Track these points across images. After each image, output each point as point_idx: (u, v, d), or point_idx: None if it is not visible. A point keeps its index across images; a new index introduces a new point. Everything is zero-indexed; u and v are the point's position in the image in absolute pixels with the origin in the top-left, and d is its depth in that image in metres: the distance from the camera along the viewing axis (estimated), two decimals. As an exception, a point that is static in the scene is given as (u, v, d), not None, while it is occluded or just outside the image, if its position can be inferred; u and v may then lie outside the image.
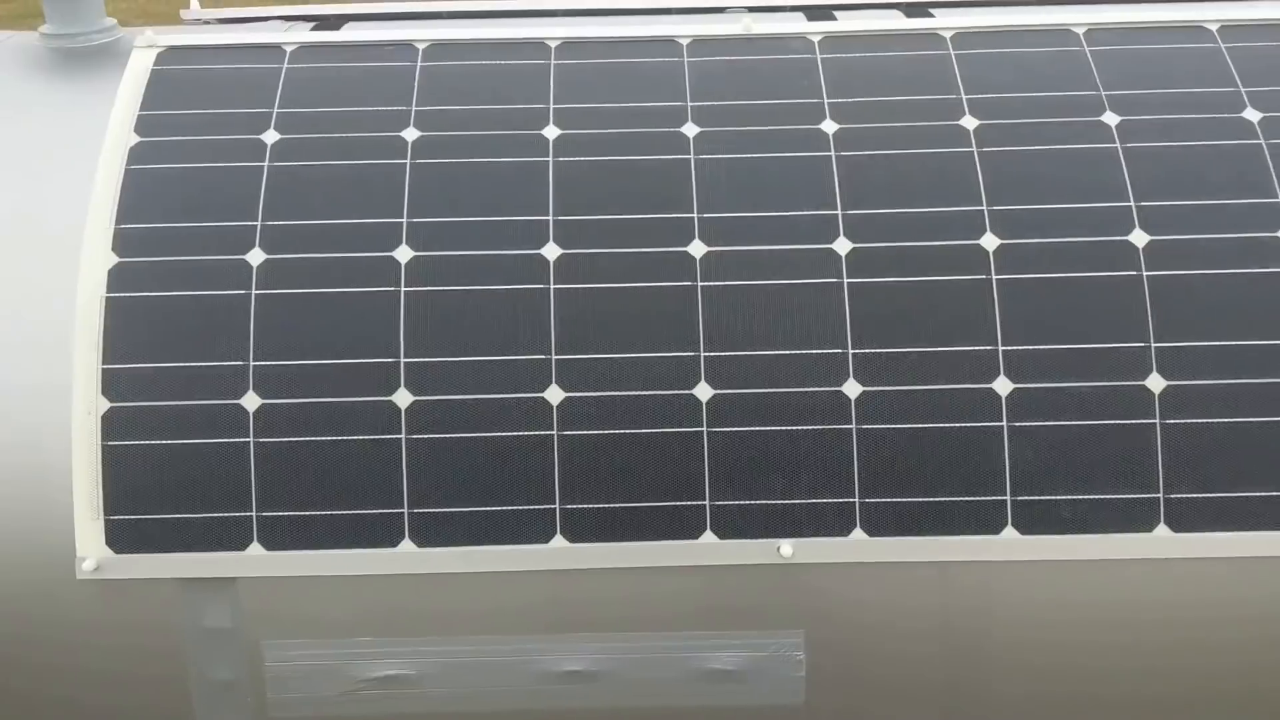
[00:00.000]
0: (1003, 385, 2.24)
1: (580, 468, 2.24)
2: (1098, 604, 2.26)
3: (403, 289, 2.28)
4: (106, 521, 2.26)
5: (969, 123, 2.39)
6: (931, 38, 2.53)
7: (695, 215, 2.32)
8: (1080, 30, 2.54)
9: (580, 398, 2.24)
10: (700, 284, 2.28)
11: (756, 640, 2.31)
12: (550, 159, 2.37)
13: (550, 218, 2.32)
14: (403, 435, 2.24)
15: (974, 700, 2.33)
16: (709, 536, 2.25)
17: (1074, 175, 2.33)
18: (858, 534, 2.25)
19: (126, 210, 2.35)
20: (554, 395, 2.25)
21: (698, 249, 2.30)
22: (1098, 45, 2.51)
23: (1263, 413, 2.21)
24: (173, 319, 2.28)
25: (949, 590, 2.27)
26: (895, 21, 2.61)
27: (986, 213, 2.30)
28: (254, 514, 2.25)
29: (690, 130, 2.40)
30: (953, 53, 2.50)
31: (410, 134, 2.40)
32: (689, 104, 2.44)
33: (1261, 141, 2.37)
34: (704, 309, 2.27)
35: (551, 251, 2.29)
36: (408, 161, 2.37)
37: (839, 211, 2.32)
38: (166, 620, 2.31)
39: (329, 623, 2.31)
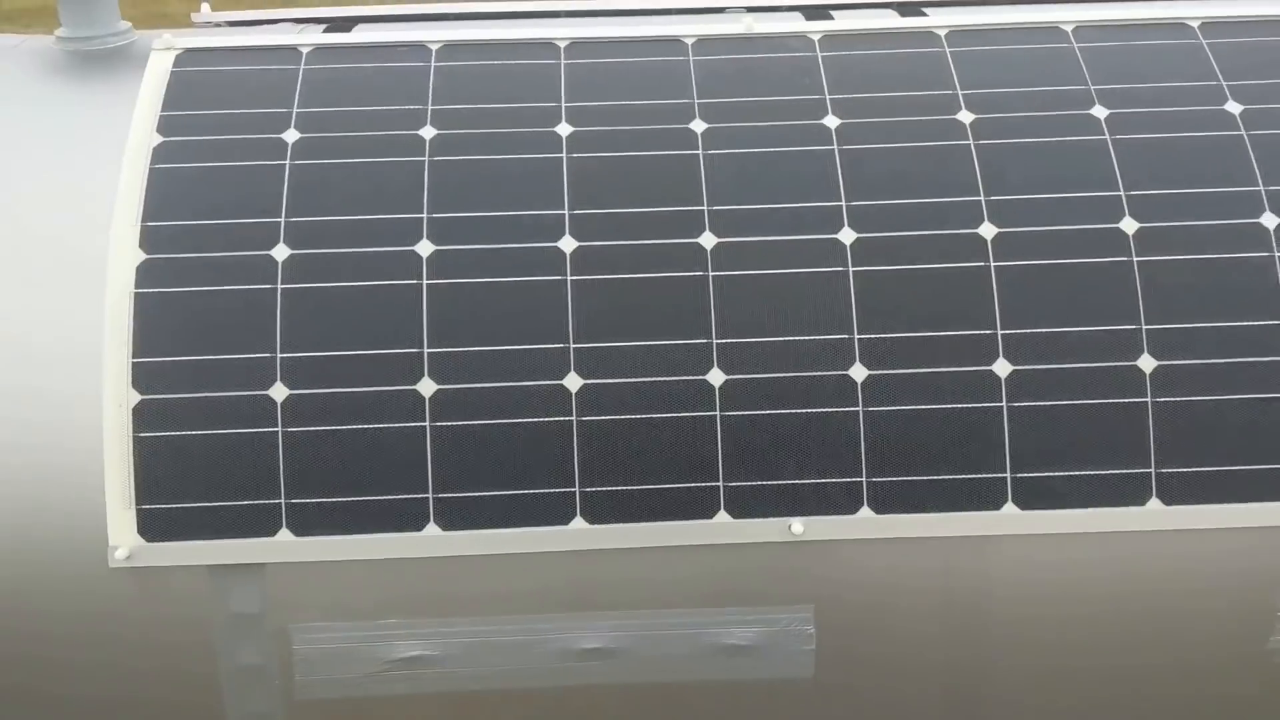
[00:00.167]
0: (1002, 367, 2.34)
1: (599, 452, 2.32)
2: (1094, 574, 2.36)
3: (425, 282, 2.35)
4: (138, 511, 2.32)
5: (965, 117, 2.50)
6: (927, 36, 2.63)
7: (705, 208, 2.41)
8: (1069, 28, 2.65)
9: (598, 384, 2.33)
10: (711, 274, 2.37)
11: (768, 616, 2.40)
12: (564, 155, 2.46)
13: (566, 212, 2.40)
14: (427, 423, 2.32)
15: (974, 668, 2.43)
16: (723, 516, 2.34)
17: (1066, 166, 2.44)
18: (865, 512, 2.34)
19: (152, 208, 2.41)
20: (573, 382, 2.33)
21: (709, 240, 2.39)
22: (1085, 42, 2.62)
23: (1248, 390, 2.33)
24: (200, 313, 2.35)
25: (951, 564, 2.37)
26: (891, 20, 2.71)
27: (984, 203, 2.41)
28: (283, 501, 2.33)
29: (698, 126, 2.49)
30: (947, 50, 2.61)
31: (427, 132, 2.48)
32: (696, 101, 2.53)
33: (1243, 132, 2.48)
34: (715, 298, 2.36)
35: (568, 244, 2.38)
36: (426, 159, 2.45)
37: (843, 203, 2.41)
38: (196, 607, 2.37)
39: (355, 606, 2.38)
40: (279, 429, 2.32)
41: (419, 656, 2.40)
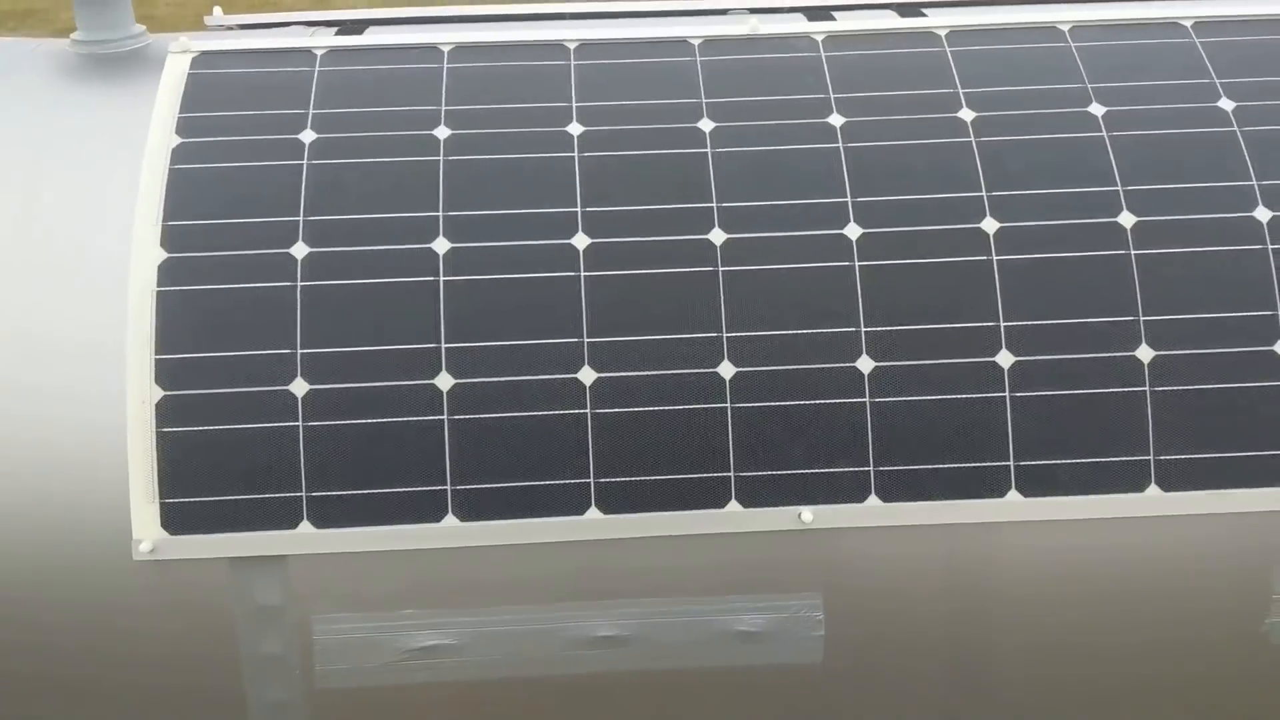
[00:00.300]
0: (1005, 358, 2.41)
1: (613, 444, 2.38)
2: (1095, 558, 2.43)
3: (441, 278, 2.41)
4: (161, 505, 2.37)
5: (966, 114, 2.56)
6: (928, 36, 2.70)
7: (715, 205, 2.47)
8: (1065, 27, 2.72)
9: (611, 378, 2.39)
10: (721, 269, 2.43)
11: (778, 603, 2.46)
12: (576, 154, 2.51)
13: (579, 209, 2.46)
14: (444, 416, 2.37)
15: (979, 651, 2.49)
16: (734, 505, 2.40)
17: (1065, 162, 2.51)
18: (872, 500, 2.41)
19: (172, 208, 2.46)
20: (587, 376, 2.39)
21: (718, 236, 2.45)
22: (1082, 41, 2.69)
23: (1244, 379, 2.40)
24: (221, 310, 2.40)
25: (956, 550, 2.44)
26: (892, 21, 2.77)
27: (986, 198, 2.47)
28: (303, 494, 2.38)
29: (706, 125, 2.55)
30: (948, 49, 2.67)
31: (442, 132, 2.54)
32: (703, 101, 2.59)
33: (1236, 129, 2.55)
34: (725, 292, 2.42)
35: (581, 241, 2.43)
36: (441, 158, 2.50)
37: (849, 199, 2.48)
38: (218, 598, 2.42)
39: (375, 597, 2.43)
40: (299, 423, 2.37)
41: (437, 645, 2.45)
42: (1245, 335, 2.42)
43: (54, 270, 2.44)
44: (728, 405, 2.39)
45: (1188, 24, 2.73)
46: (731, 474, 2.40)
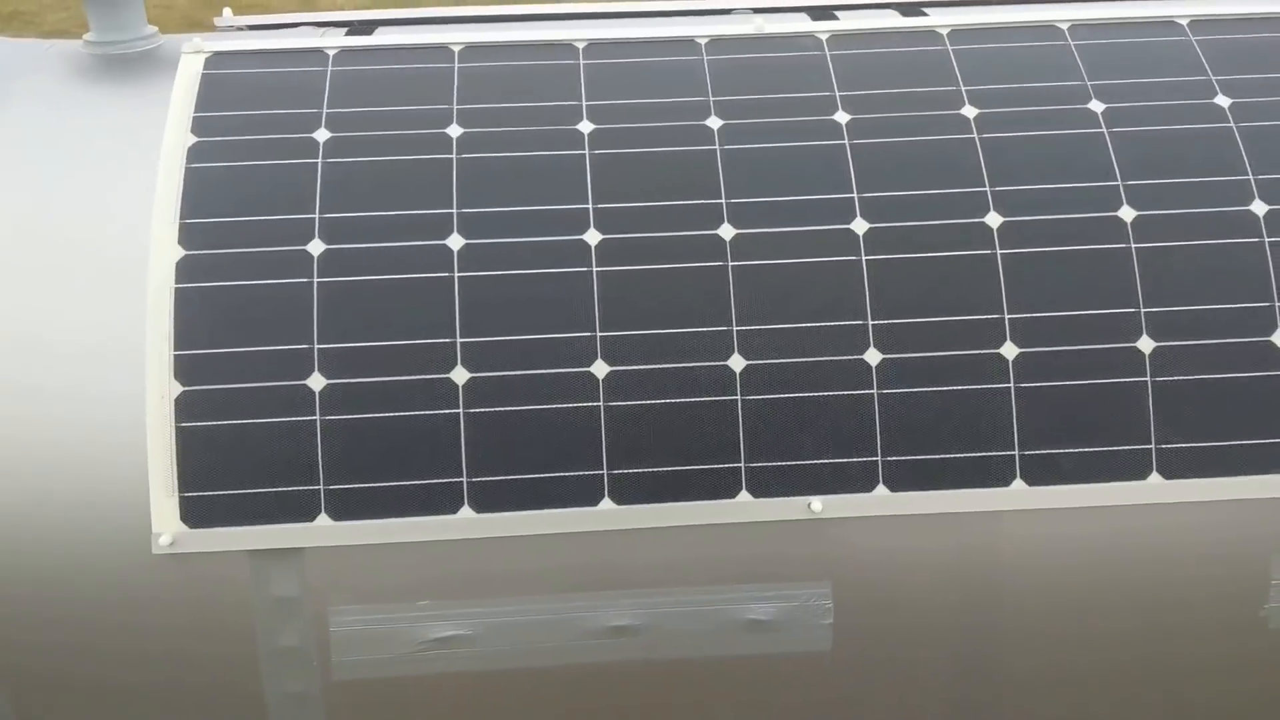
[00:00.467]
0: (1009, 350, 2.46)
1: (626, 436, 2.42)
2: (1098, 545, 2.48)
3: (456, 274, 2.45)
4: (181, 498, 2.40)
5: (969, 111, 2.61)
6: (930, 34, 2.75)
7: (724, 201, 2.51)
8: (1064, 26, 2.77)
9: (624, 371, 2.43)
10: (731, 264, 2.47)
11: (788, 592, 2.50)
12: (586, 151, 2.56)
13: (590, 206, 2.50)
14: (460, 410, 2.41)
15: (986, 637, 2.54)
16: (744, 496, 2.44)
17: (1066, 157, 2.56)
18: (880, 490, 2.45)
19: (190, 206, 2.49)
20: (600, 369, 2.43)
21: (727, 231, 2.49)
22: (1081, 40, 2.75)
23: (1242, 369, 2.45)
24: (239, 307, 2.43)
25: (963, 539, 2.48)
26: (895, 20, 2.82)
27: (989, 193, 2.52)
28: (321, 487, 2.41)
29: (714, 123, 2.60)
30: (950, 48, 2.72)
31: (454, 130, 2.58)
32: (711, 99, 2.64)
33: (1232, 124, 2.61)
34: (735, 287, 2.46)
35: (593, 237, 2.48)
36: (454, 156, 2.54)
37: (855, 195, 2.52)
38: (237, 591, 2.45)
39: (391, 589, 2.47)
40: (317, 418, 2.40)
41: (452, 636, 2.49)
42: (1243, 326, 2.47)
43: (73, 268, 2.47)
44: (738, 398, 2.43)
45: (1184, 22, 2.79)
46: (742, 465, 2.44)
